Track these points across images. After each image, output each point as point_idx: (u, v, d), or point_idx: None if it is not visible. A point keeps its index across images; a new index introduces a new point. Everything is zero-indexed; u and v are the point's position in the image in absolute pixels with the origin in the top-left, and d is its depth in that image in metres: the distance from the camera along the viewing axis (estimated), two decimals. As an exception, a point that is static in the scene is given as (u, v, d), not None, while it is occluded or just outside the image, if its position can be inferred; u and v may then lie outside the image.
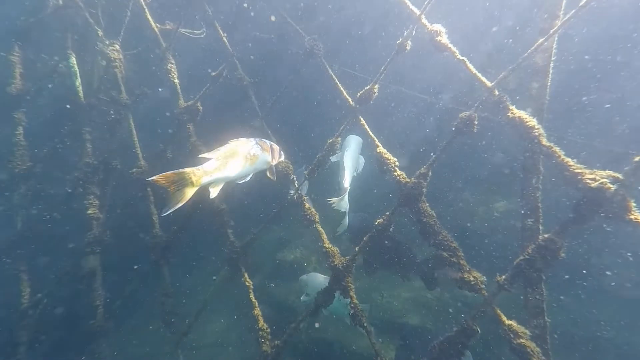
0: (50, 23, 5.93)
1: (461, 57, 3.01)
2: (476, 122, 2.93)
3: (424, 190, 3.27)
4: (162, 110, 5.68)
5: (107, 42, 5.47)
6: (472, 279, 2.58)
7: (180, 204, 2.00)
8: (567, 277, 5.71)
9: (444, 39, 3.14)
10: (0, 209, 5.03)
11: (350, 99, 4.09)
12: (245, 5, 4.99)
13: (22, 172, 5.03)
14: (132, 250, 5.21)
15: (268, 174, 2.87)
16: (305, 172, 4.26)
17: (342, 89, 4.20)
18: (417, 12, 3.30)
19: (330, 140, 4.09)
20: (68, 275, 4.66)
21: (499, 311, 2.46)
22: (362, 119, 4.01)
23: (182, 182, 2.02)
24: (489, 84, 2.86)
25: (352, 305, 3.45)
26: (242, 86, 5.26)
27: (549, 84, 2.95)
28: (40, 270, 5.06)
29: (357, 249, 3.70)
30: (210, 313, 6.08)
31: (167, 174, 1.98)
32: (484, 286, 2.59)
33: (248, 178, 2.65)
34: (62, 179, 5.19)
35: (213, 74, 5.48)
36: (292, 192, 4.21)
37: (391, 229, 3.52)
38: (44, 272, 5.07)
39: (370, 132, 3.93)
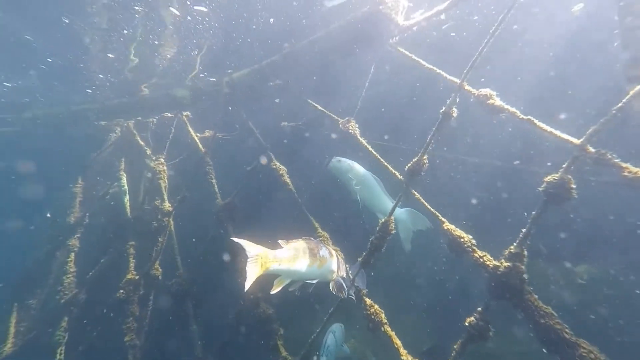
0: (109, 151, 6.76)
1: (526, 117, 2.66)
2: (574, 186, 2.37)
3: (525, 276, 2.54)
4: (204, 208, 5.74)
5: (154, 158, 5.99)
6: None
7: (248, 283, 1.87)
8: None
9: (498, 101, 2.88)
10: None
11: (397, 174, 3.75)
12: (277, 100, 5.33)
13: (66, 302, 4.96)
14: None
15: (331, 286, 2.44)
16: (360, 259, 3.70)
17: (386, 164, 3.92)
18: (457, 80, 3.16)
19: (383, 220, 3.63)
20: None
21: None
22: (416, 193, 3.59)
23: (253, 259, 1.93)
24: (576, 141, 2.39)
25: None
26: (278, 175, 5.23)
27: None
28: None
29: (449, 361, 2.81)
30: None
31: (246, 242, 1.94)
32: None
33: (314, 282, 2.32)
34: (104, 300, 5.02)
35: (248, 168, 5.62)
36: (345, 286, 3.59)
37: (491, 333, 2.67)
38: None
39: (430, 207, 3.44)
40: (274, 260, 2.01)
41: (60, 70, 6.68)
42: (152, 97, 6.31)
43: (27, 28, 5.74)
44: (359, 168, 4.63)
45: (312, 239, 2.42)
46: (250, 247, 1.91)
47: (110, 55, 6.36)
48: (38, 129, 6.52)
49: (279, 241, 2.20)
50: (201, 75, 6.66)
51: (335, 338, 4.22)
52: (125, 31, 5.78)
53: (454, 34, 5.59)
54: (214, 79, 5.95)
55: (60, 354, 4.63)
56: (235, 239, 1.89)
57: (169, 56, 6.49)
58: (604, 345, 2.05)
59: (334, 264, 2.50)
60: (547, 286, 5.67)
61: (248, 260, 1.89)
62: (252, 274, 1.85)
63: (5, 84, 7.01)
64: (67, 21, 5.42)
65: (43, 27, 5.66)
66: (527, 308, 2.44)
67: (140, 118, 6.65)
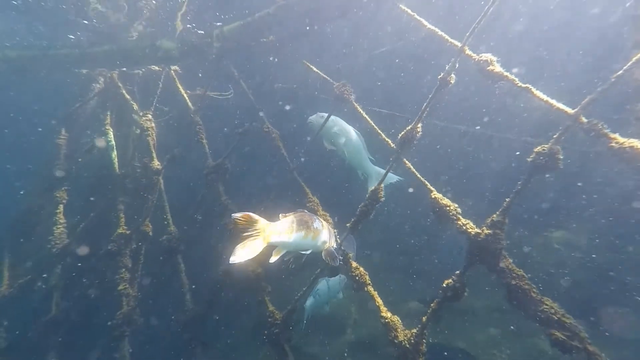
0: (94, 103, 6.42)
1: (523, 85, 2.59)
2: (561, 157, 2.39)
3: (503, 243, 2.66)
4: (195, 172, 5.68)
5: (141, 114, 5.73)
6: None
7: (248, 257, 1.85)
8: None
9: (497, 67, 2.78)
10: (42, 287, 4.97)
11: (390, 142, 3.72)
12: (271, 58, 5.05)
13: (59, 251, 5.02)
14: (160, 326, 4.80)
15: (323, 255, 2.54)
16: (348, 224, 3.80)
17: (379, 131, 3.86)
18: (459, 44, 3.01)
19: (373, 188, 3.67)
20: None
21: None
22: (407, 162, 3.59)
23: (256, 232, 1.92)
24: (570, 111, 2.36)
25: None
26: (271, 139, 5.13)
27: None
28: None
29: (424, 319, 3.03)
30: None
31: (248, 215, 1.89)
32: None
33: (308, 252, 2.45)
34: (96, 252, 5.10)
35: (240, 130, 5.47)
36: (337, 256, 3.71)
37: (466, 294, 2.86)
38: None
39: (420, 176, 3.47)
40: (275, 231, 2.05)
41: (43, 13, 6.11)
42: (136, 47, 5.87)
43: None
44: (342, 124, 4.64)
45: (306, 211, 2.50)
46: (253, 221, 1.90)
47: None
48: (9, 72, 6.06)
49: (280, 215, 2.26)
50: (188, 26, 6.18)
51: (329, 285, 4.40)
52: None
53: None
54: (202, 32, 5.53)
55: (57, 298, 4.81)
56: (237, 214, 1.86)
57: (154, 1, 5.95)
58: (569, 302, 2.23)
59: (325, 234, 2.58)
60: (524, 250, 6.04)
61: (252, 233, 1.89)
62: (256, 247, 1.87)
63: None
64: None
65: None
66: (501, 271, 2.58)
67: (124, 69, 6.25)
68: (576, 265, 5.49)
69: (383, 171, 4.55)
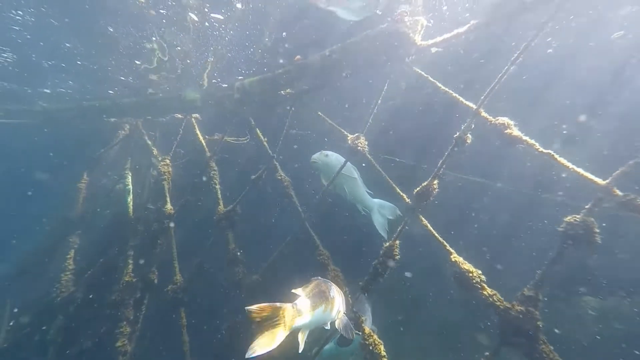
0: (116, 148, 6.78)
1: (545, 150, 2.49)
2: (597, 230, 2.19)
3: (539, 323, 2.35)
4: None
5: (160, 159, 5.94)
6: None
7: (269, 348, 1.61)
8: None
9: (515, 131, 2.72)
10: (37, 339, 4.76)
11: (405, 197, 3.60)
12: (288, 107, 5.24)
13: (63, 300, 4.89)
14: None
15: (337, 325, 2.30)
16: (361, 283, 3.56)
17: (394, 184, 3.77)
18: (474, 106, 3.01)
19: (387, 244, 3.48)
20: None
21: None
22: (423, 218, 3.42)
23: (275, 320, 1.70)
24: (601, 182, 2.22)
25: None
26: (283, 187, 5.12)
27: None
28: None
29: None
30: None
31: (263, 306, 1.68)
32: None
33: (328, 326, 2.22)
34: (100, 301, 4.94)
35: (253, 177, 5.52)
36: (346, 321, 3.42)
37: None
38: None
39: (437, 235, 3.27)
40: (297, 314, 1.84)
41: (90, 73, 6.81)
42: (163, 98, 6.29)
43: (68, 34, 5.85)
44: (342, 161, 4.62)
45: (320, 278, 2.29)
46: (272, 306, 1.70)
47: (137, 62, 6.42)
48: (48, 122, 6.54)
49: (293, 290, 2.07)
50: (213, 81, 6.65)
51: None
52: (154, 38, 5.83)
53: (482, 61, 5.45)
54: (226, 85, 5.90)
55: (52, 354, 4.56)
56: (253, 307, 1.64)
57: (188, 61, 6.50)
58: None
59: (339, 300, 2.34)
60: (558, 318, 5.43)
61: (270, 319, 1.68)
62: (279, 337, 1.65)
63: (45, 90, 7.13)
64: (111, 30, 5.51)
65: (83, 33, 5.75)
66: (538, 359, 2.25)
67: (150, 117, 6.65)
68: (617, 338, 4.77)
69: (384, 202, 4.45)
